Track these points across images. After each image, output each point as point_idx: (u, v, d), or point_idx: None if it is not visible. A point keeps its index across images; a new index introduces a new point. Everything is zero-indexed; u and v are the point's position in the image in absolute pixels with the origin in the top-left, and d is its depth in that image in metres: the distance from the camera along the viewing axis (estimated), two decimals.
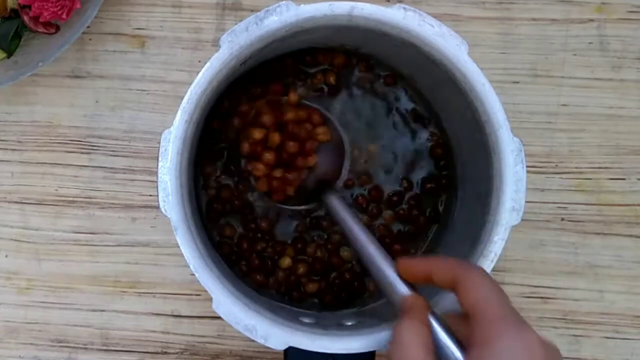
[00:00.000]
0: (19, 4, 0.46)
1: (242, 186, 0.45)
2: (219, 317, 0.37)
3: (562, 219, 0.50)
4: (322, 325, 0.39)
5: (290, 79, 0.46)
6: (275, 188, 0.44)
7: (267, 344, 0.37)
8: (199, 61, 0.49)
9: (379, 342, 0.38)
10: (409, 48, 0.39)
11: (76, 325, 0.50)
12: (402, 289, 0.36)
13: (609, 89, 0.50)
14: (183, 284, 0.49)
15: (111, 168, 0.50)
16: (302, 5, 0.37)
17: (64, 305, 0.50)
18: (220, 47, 0.37)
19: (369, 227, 0.45)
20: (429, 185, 0.46)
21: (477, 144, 0.40)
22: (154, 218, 0.50)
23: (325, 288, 0.46)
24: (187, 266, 0.37)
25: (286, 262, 0.45)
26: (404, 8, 0.38)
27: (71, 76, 0.50)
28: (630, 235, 0.50)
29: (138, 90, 0.50)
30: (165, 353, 0.50)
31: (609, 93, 0.50)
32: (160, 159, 0.37)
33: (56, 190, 0.50)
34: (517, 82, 0.50)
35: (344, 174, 0.46)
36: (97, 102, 0.50)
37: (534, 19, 0.50)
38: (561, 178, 0.50)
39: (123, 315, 0.49)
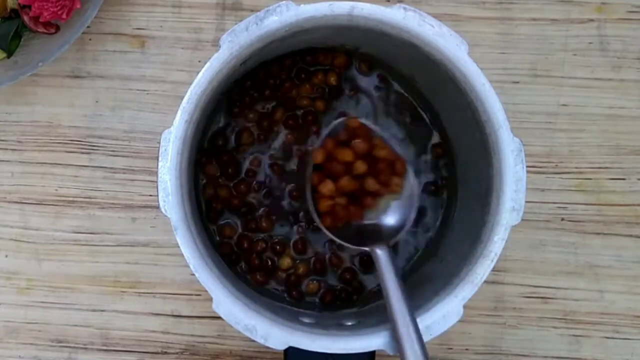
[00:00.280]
0: (19, 4, 0.46)
1: (243, 186, 0.45)
2: (219, 317, 0.37)
3: (562, 219, 0.50)
4: (322, 325, 0.39)
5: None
6: (333, 213, 0.42)
7: (267, 344, 0.37)
8: (199, 61, 0.49)
9: (379, 342, 0.38)
10: (409, 48, 0.39)
11: (76, 325, 0.50)
12: None
13: (609, 89, 0.50)
14: (183, 284, 0.49)
15: (111, 168, 0.50)
16: (302, 5, 0.37)
17: (64, 305, 0.50)
18: (220, 47, 0.37)
19: None
20: (429, 186, 0.46)
21: (477, 144, 0.40)
22: (154, 218, 0.50)
23: (325, 288, 0.46)
24: (187, 266, 0.37)
25: (286, 262, 0.46)
26: (404, 8, 0.38)
27: (71, 76, 0.50)
28: (630, 235, 0.50)
29: (138, 90, 0.50)
30: (165, 353, 0.50)
31: (609, 93, 0.50)
32: (160, 159, 0.37)
33: (56, 190, 0.50)
34: (517, 82, 0.50)
35: (407, 226, 0.42)
36: (97, 102, 0.50)
37: (534, 19, 0.50)
38: (561, 178, 0.50)
39: (123, 315, 0.49)
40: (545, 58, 0.50)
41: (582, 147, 0.50)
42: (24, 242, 0.50)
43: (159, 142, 0.37)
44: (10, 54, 0.47)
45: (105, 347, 0.49)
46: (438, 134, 0.46)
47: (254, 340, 0.37)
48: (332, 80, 0.46)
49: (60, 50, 0.45)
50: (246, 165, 0.46)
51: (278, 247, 0.45)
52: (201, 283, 0.37)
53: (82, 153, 0.50)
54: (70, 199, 0.50)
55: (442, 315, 0.38)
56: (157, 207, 0.37)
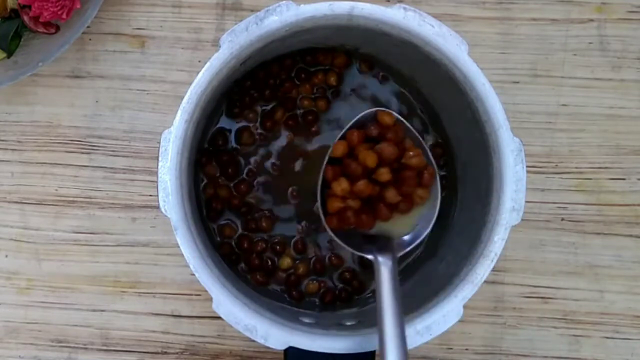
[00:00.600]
0: (19, 4, 0.46)
1: (243, 186, 0.45)
2: (219, 317, 0.37)
3: (562, 219, 0.50)
4: (322, 325, 0.39)
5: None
6: (342, 216, 0.39)
7: (267, 344, 0.37)
8: (199, 61, 0.49)
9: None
10: (409, 48, 0.39)
11: (76, 325, 0.50)
12: None
13: (609, 89, 0.50)
14: (183, 284, 0.49)
15: (111, 168, 0.50)
16: (302, 5, 0.37)
17: (64, 305, 0.50)
18: (220, 47, 0.37)
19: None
20: None
21: (477, 144, 0.40)
22: (154, 218, 0.50)
23: (325, 288, 0.46)
24: (187, 266, 0.37)
25: (286, 262, 0.46)
26: (404, 8, 0.38)
27: (71, 76, 0.50)
28: (630, 235, 0.50)
29: (138, 90, 0.50)
30: (165, 353, 0.50)
31: (609, 93, 0.50)
32: (160, 159, 0.37)
33: (56, 190, 0.50)
34: (517, 82, 0.50)
35: (419, 239, 0.40)
36: (97, 102, 0.50)
37: (534, 19, 0.50)
38: (561, 178, 0.50)
39: (123, 315, 0.49)
40: (545, 58, 0.50)
41: (582, 147, 0.50)
42: (24, 242, 0.50)
43: (159, 142, 0.37)
44: (10, 54, 0.47)
45: (105, 347, 0.49)
46: (438, 134, 0.46)
47: (254, 340, 0.37)
48: (332, 80, 0.46)
49: (60, 50, 0.45)
50: (246, 165, 0.46)
51: (278, 247, 0.45)
52: (201, 283, 0.37)
53: (82, 153, 0.50)
54: (70, 199, 0.50)
55: (442, 315, 0.38)
56: (157, 207, 0.37)
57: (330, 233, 0.40)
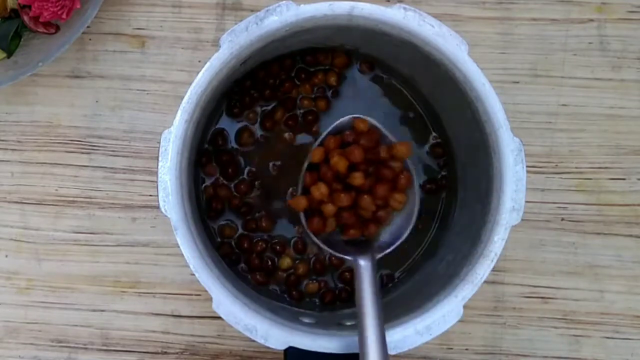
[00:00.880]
0: (19, 4, 0.46)
1: (243, 186, 0.45)
2: (219, 317, 0.37)
3: (562, 219, 0.50)
4: (322, 325, 0.39)
5: None
6: (322, 220, 0.41)
7: (267, 344, 0.37)
8: (199, 61, 0.49)
9: None
10: (409, 48, 0.39)
11: (76, 325, 0.50)
12: None
13: (609, 89, 0.50)
14: (183, 284, 0.49)
15: (111, 168, 0.50)
16: (302, 5, 0.37)
17: (64, 305, 0.50)
18: (220, 47, 0.37)
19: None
20: (429, 186, 0.46)
21: (477, 144, 0.40)
22: (154, 218, 0.50)
23: (325, 288, 0.46)
24: (187, 266, 0.37)
25: (286, 262, 0.46)
26: (404, 8, 0.38)
27: (71, 76, 0.50)
28: (630, 235, 0.50)
29: (138, 90, 0.50)
30: (165, 353, 0.50)
31: (609, 93, 0.50)
32: (160, 159, 0.37)
33: (56, 190, 0.50)
34: (517, 82, 0.50)
35: (398, 242, 0.41)
36: (97, 102, 0.50)
37: (534, 19, 0.50)
38: (561, 178, 0.50)
39: (123, 315, 0.49)
40: (545, 58, 0.50)
41: (582, 147, 0.50)
42: (24, 242, 0.50)
43: (159, 142, 0.37)
44: (10, 54, 0.47)
45: (105, 347, 0.49)
46: (438, 134, 0.46)
47: (254, 340, 0.37)
48: (332, 80, 0.46)
49: (60, 50, 0.45)
50: (246, 165, 0.46)
51: (278, 247, 0.45)
52: (201, 283, 0.37)
53: (82, 153, 0.50)
54: (70, 199, 0.50)
55: (442, 315, 0.38)
56: (157, 207, 0.37)
57: (311, 235, 0.41)
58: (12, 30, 0.46)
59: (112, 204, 0.50)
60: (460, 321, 0.38)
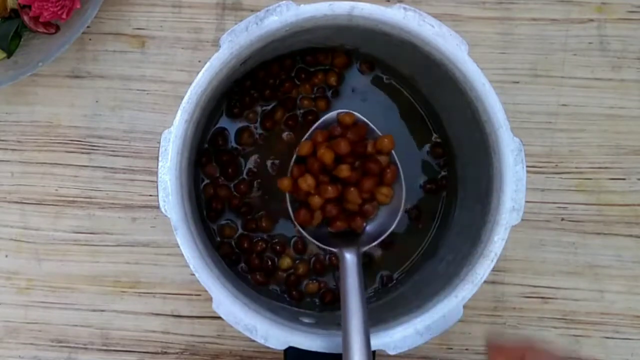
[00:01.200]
0: (19, 4, 0.46)
1: (243, 186, 0.45)
2: (219, 317, 0.37)
3: (562, 219, 0.50)
4: (322, 325, 0.39)
5: None
6: (309, 212, 0.41)
7: (267, 344, 0.37)
8: (199, 61, 0.49)
9: (379, 342, 0.38)
10: (409, 48, 0.39)
11: (76, 325, 0.50)
12: None
13: (609, 89, 0.50)
14: (183, 284, 0.49)
15: (111, 168, 0.50)
16: (302, 5, 0.37)
17: (64, 305, 0.50)
18: (220, 47, 0.37)
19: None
20: (429, 186, 0.46)
21: (477, 144, 0.40)
22: (154, 218, 0.49)
23: (325, 288, 0.46)
24: (187, 266, 0.37)
25: (286, 262, 0.46)
26: (404, 8, 0.38)
27: (71, 76, 0.50)
28: (630, 235, 0.50)
29: (138, 90, 0.50)
30: (165, 353, 0.49)
31: (609, 93, 0.50)
32: (160, 159, 0.37)
33: (56, 190, 0.50)
34: (517, 82, 0.50)
35: (384, 236, 0.41)
36: (97, 102, 0.50)
37: (534, 19, 0.50)
38: (561, 178, 0.50)
39: (123, 315, 0.49)
40: (545, 58, 0.49)
41: (582, 147, 0.50)
42: (24, 242, 0.50)
43: (159, 142, 0.37)
44: (10, 54, 0.47)
45: (105, 347, 0.49)
46: (438, 134, 0.46)
47: (254, 340, 0.37)
48: (332, 80, 0.46)
49: (60, 50, 0.45)
50: (246, 165, 0.46)
51: (278, 247, 0.45)
52: (201, 283, 0.37)
53: (82, 153, 0.50)
54: (70, 199, 0.50)
55: (442, 315, 0.38)
56: (157, 207, 0.37)
57: (298, 227, 0.41)
58: (12, 30, 0.46)
59: (112, 204, 0.50)
60: (460, 321, 0.38)
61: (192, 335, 0.49)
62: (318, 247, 0.43)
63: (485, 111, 0.38)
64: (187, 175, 0.38)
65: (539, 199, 0.49)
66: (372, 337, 0.37)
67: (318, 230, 0.42)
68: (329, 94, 0.46)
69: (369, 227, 0.42)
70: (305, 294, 0.46)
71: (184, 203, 0.37)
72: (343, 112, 0.41)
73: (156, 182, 0.37)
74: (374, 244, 0.41)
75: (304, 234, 0.41)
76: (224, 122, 0.46)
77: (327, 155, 0.40)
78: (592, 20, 0.50)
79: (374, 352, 0.38)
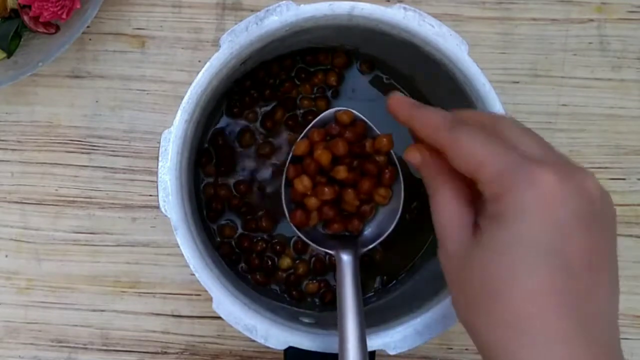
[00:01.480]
0: (19, 4, 0.46)
1: (243, 186, 0.45)
2: (219, 317, 0.37)
3: None
4: (322, 325, 0.39)
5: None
6: (305, 213, 0.40)
7: (267, 344, 0.37)
8: (199, 61, 0.49)
9: (379, 342, 0.38)
10: (409, 48, 0.39)
11: (76, 325, 0.50)
12: None
13: (609, 89, 0.50)
14: (183, 284, 0.49)
15: (111, 168, 0.50)
16: (302, 5, 0.37)
17: (64, 305, 0.50)
18: (220, 47, 0.37)
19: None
20: None
21: None
22: (154, 218, 0.50)
23: (325, 288, 0.46)
24: (187, 266, 0.37)
25: (286, 262, 0.45)
26: (404, 8, 0.38)
27: (71, 76, 0.50)
28: (630, 235, 0.50)
29: (138, 90, 0.50)
30: (165, 353, 0.49)
31: (609, 93, 0.50)
32: (160, 159, 0.37)
33: (56, 190, 0.50)
34: (517, 82, 0.50)
35: (382, 238, 0.40)
36: (97, 102, 0.50)
37: (534, 19, 0.50)
38: None
39: (123, 315, 0.49)
40: (545, 58, 0.50)
41: (582, 147, 0.50)
42: (24, 242, 0.50)
43: (159, 142, 0.37)
44: (10, 54, 0.47)
45: (105, 347, 0.49)
46: None
47: (254, 340, 0.37)
48: (332, 80, 0.46)
49: (60, 50, 0.45)
50: (246, 165, 0.46)
51: (278, 247, 0.45)
52: (201, 283, 0.37)
53: (82, 153, 0.50)
54: (70, 199, 0.50)
55: (442, 315, 0.38)
56: (157, 207, 0.37)
57: (294, 228, 0.40)
58: (12, 30, 0.46)
59: (112, 204, 0.50)
60: (460, 321, 0.38)
61: (192, 335, 0.50)
62: (316, 249, 0.43)
63: (486, 111, 0.38)
64: (187, 175, 0.38)
65: None
66: (372, 337, 0.37)
67: (314, 231, 0.41)
68: (329, 94, 0.46)
69: (368, 229, 0.41)
70: (305, 294, 0.46)
71: (184, 203, 0.37)
72: (341, 110, 0.40)
73: (156, 182, 0.37)
74: (371, 246, 0.40)
75: (300, 235, 0.40)
76: (224, 122, 0.46)
77: (324, 157, 0.39)
78: (592, 20, 0.50)
79: (374, 352, 0.38)
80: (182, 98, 0.37)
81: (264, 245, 0.46)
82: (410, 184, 0.43)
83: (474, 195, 0.30)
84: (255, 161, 0.46)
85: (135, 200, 0.50)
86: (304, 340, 0.37)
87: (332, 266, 0.46)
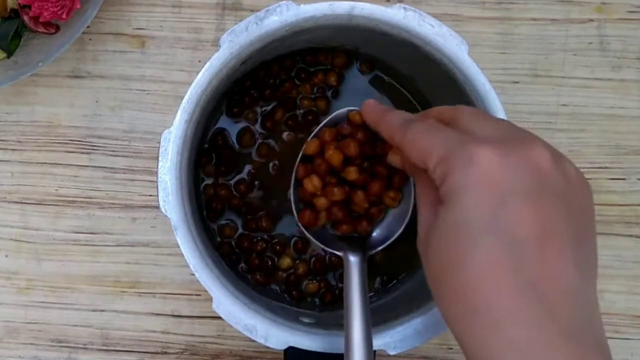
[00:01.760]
0: (19, 4, 0.46)
1: (243, 186, 0.45)
2: (219, 317, 0.37)
3: None
4: (322, 325, 0.39)
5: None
6: (314, 212, 0.40)
7: (267, 344, 0.37)
8: (199, 61, 0.49)
9: (379, 342, 0.38)
10: (409, 48, 0.39)
11: (76, 325, 0.50)
12: None
13: (609, 89, 0.50)
14: (183, 284, 0.49)
15: (111, 168, 0.50)
16: (302, 5, 0.37)
17: (64, 305, 0.50)
18: (220, 47, 0.37)
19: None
20: None
21: None
22: (154, 218, 0.50)
23: (325, 288, 0.46)
24: (187, 266, 0.37)
25: (286, 262, 0.45)
26: (404, 8, 0.38)
27: (71, 76, 0.50)
28: (630, 235, 0.50)
29: (138, 90, 0.50)
30: (165, 353, 0.49)
31: (609, 93, 0.50)
32: (160, 159, 0.37)
33: (56, 190, 0.50)
34: (517, 82, 0.50)
35: (390, 240, 0.40)
36: (97, 102, 0.50)
37: (534, 19, 0.50)
38: None
39: (123, 315, 0.49)
40: (545, 58, 0.50)
41: (582, 147, 0.50)
42: (24, 242, 0.50)
43: (159, 142, 0.37)
44: (10, 54, 0.47)
45: (105, 347, 0.49)
46: None
47: (254, 340, 0.37)
48: (332, 80, 0.46)
49: (60, 50, 0.45)
50: (246, 165, 0.46)
51: (278, 247, 0.45)
52: (201, 283, 0.37)
53: (82, 153, 0.50)
54: (70, 199, 0.50)
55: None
56: (157, 207, 0.37)
57: (302, 228, 0.40)
58: (12, 30, 0.46)
59: (112, 204, 0.50)
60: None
61: (192, 335, 0.50)
62: (322, 248, 0.43)
63: (485, 111, 0.38)
64: (187, 175, 0.38)
65: None
66: (372, 338, 0.37)
67: (322, 231, 0.41)
68: (329, 94, 0.46)
69: (376, 230, 0.41)
70: (305, 294, 0.46)
71: (184, 203, 0.37)
72: (354, 110, 0.39)
73: (156, 182, 0.37)
74: (380, 248, 0.40)
75: (308, 235, 0.40)
76: (224, 122, 0.46)
77: (335, 157, 0.39)
78: (592, 20, 0.50)
79: (374, 352, 0.38)
80: (182, 98, 0.37)
81: (264, 245, 0.46)
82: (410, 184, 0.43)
83: None
84: (255, 161, 0.46)
85: (135, 200, 0.50)
86: (304, 340, 0.37)
87: (332, 266, 0.46)
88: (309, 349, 0.37)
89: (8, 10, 0.46)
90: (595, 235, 0.28)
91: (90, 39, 0.49)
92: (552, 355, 0.24)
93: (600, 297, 0.50)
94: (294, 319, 0.40)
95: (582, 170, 0.50)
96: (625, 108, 0.50)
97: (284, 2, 0.37)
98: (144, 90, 0.50)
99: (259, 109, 0.46)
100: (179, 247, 0.37)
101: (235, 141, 0.46)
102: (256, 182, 0.45)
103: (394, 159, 0.36)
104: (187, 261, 0.37)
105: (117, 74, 0.49)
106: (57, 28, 0.46)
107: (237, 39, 0.37)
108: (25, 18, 0.46)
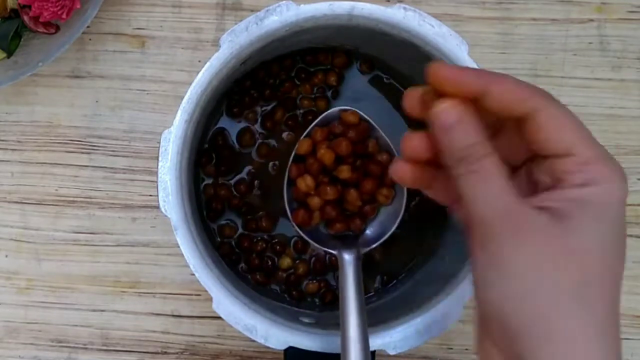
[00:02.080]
0: (19, 4, 0.46)
1: (243, 186, 0.45)
2: (219, 317, 0.37)
3: None
4: (322, 325, 0.39)
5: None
6: (307, 212, 0.40)
7: (267, 344, 0.37)
8: (199, 61, 0.49)
9: (379, 342, 0.38)
10: (409, 48, 0.39)
11: (76, 325, 0.50)
12: None
13: (609, 89, 0.50)
14: (183, 284, 0.49)
15: (111, 168, 0.50)
16: (302, 5, 0.37)
17: (64, 305, 0.50)
18: (220, 47, 0.37)
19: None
20: None
21: None
22: (154, 218, 0.50)
23: (325, 288, 0.46)
24: (187, 266, 0.37)
25: (286, 262, 0.45)
26: (404, 8, 0.38)
27: (71, 76, 0.50)
28: (630, 235, 0.50)
29: (138, 90, 0.50)
30: (165, 353, 0.50)
31: (609, 93, 0.50)
32: (160, 159, 0.37)
33: (56, 190, 0.50)
34: None
35: (384, 238, 0.40)
36: (97, 102, 0.50)
37: (534, 19, 0.50)
38: None
39: (123, 315, 0.49)
40: (545, 58, 0.50)
41: None
42: (24, 242, 0.50)
43: (159, 142, 0.37)
44: (10, 54, 0.47)
45: (105, 347, 0.49)
46: None
47: (254, 340, 0.37)
48: (332, 80, 0.46)
49: (60, 50, 0.45)
50: (246, 165, 0.46)
51: (278, 247, 0.45)
52: (201, 283, 0.37)
53: (82, 153, 0.50)
54: (70, 199, 0.50)
55: (442, 315, 0.38)
56: (157, 207, 0.37)
57: (296, 227, 0.40)
58: (12, 30, 0.46)
59: (112, 204, 0.50)
60: (460, 321, 0.38)
61: (192, 335, 0.50)
62: (318, 249, 0.43)
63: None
64: (187, 175, 0.38)
65: None
66: (372, 337, 0.37)
67: (316, 231, 0.41)
68: (329, 94, 0.46)
69: (370, 228, 0.41)
70: (305, 294, 0.46)
71: (184, 203, 0.37)
72: (347, 109, 0.40)
73: (156, 182, 0.37)
74: (374, 246, 0.40)
75: (302, 234, 0.41)
76: (224, 122, 0.46)
77: (327, 156, 0.39)
78: (592, 20, 0.50)
79: (374, 352, 0.38)
80: (182, 98, 0.37)
81: (264, 245, 0.46)
82: None
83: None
84: (255, 161, 0.46)
85: (135, 200, 0.50)
86: (304, 340, 0.37)
87: (332, 266, 0.46)
88: (308, 349, 0.37)
89: (8, 10, 0.46)
90: None
91: (90, 39, 0.49)
92: None
93: None
94: (294, 319, 0.40)
95: None
96: (625, 108, 0.50)
97: (284, 2, 0.37)
98: (144, 90, 0.50)
99: (259, 109, 0.46)
100: (179, 247, 0.37)
101: (235, 141, 0.46)
102: (256, 182, 0.45)
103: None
104: (187, 261, 0.37)
105: (117, 74, 0.49)
106: (57, 28, 0.46)
107: (237, 39, 0.37)
108: (25, 18, 0.46)
